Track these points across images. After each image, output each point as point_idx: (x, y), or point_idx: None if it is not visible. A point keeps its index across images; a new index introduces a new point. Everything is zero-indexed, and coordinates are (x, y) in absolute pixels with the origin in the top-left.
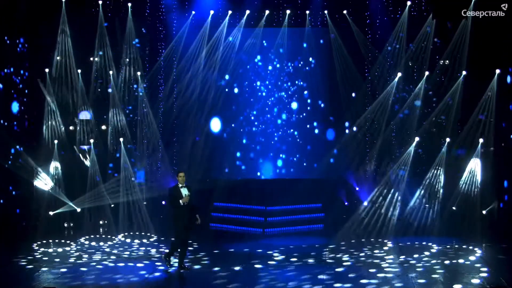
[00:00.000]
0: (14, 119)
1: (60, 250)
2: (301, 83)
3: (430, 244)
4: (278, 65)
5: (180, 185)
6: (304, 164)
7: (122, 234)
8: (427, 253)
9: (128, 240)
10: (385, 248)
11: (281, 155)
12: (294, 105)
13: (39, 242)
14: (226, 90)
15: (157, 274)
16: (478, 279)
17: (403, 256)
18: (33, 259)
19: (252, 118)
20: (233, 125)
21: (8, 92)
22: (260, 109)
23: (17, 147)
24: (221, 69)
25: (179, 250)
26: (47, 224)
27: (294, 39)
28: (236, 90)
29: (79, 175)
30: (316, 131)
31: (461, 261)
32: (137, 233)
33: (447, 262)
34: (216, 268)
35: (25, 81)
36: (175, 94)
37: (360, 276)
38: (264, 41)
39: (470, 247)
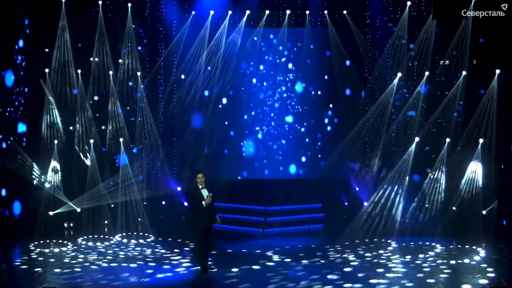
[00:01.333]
0: (14, 117)
1: (58, 250)
2: (300, 80)
3: (427, 243)
4: (277, 60)
5: (200, 186)
6: (319, 156)
7: (120, 235)
8: (430, 253)
9: (127, 241)
10: (389, 248)
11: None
12: (299, 88)
13: (37, 242)
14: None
15: (158, 275)
16: (478, 280)
17: (408, 256)
18: (31, 260)
19: (254, 121)
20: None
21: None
22: (261, 113)
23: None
24: (222, 70)
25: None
26: (45, 224)
27: (294, 40)
28: (230, 96)
29: (78, 174)
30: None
31: (460, 261)
32: (135, 233)
33: (447, 262)
34: (215, 269)
35: (24, 81)
36: (175, 95)
37: (367, 276)
38: (259, 41)
39: (470, 247)
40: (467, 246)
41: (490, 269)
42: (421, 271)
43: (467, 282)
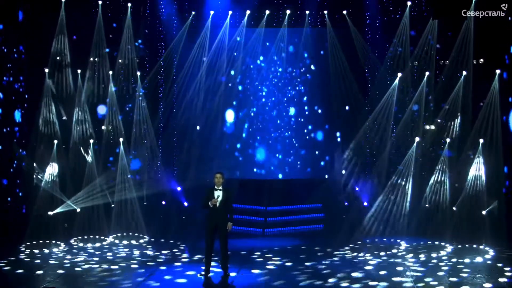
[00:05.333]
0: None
1: (55, 250)
2: (301, 87)
3: (437, 243)
4: (280, 69)
5: (215, 187)
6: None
7: (114, 235)
8: (442, 252)
9: (120, 242)
10: (401, 247)
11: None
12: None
13: (29, 243)
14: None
15: (156, 276)
16: (498, 279)
17: (421, 255)
18: (27, 260)
19: (252, 120)
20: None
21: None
22: (260, 112)
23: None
24: (222, 69)
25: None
26: (40, 224)
27: (295, 40)
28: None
29: (76, 173)
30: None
31: (476, 261)
32: (130, 234)
33: (462, 261)
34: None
35: (24, 81)
36: (175, 95)
37: (389, 274)
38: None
39: (477, 247)
40: (474, 246)
41: (507, 268)
42: (441, 270)
43: (469, 282)
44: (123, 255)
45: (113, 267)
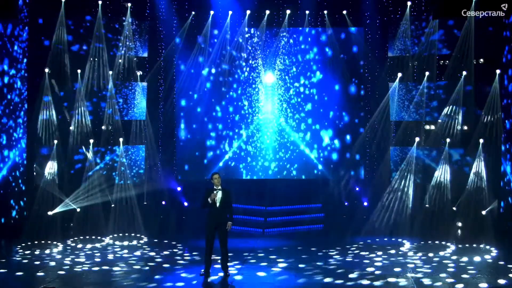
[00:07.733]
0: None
1: (54, 251)
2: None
3: (443, 243)
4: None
5: (215, 187)
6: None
7: (111, 236)
8: (442, 252)
9: (119, 242)
10: (404, 247)
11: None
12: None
13: (29, 243)
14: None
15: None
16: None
17: (419, 254)
18: (26, 261)
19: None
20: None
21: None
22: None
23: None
24: (224, 68)
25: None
26: (36, 224)
27: (295, 40)
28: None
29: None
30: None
31: (481, 260)
32: (132, 234)
33: (467, 261)
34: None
35: (24, 80)
36: (175, 94)
37: (391, 275)
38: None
39: (483, 247)
40: (481, 246)
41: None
42: (442, 270)
43: (469, 282)
44: (122, 256)
45: (112, 268)
